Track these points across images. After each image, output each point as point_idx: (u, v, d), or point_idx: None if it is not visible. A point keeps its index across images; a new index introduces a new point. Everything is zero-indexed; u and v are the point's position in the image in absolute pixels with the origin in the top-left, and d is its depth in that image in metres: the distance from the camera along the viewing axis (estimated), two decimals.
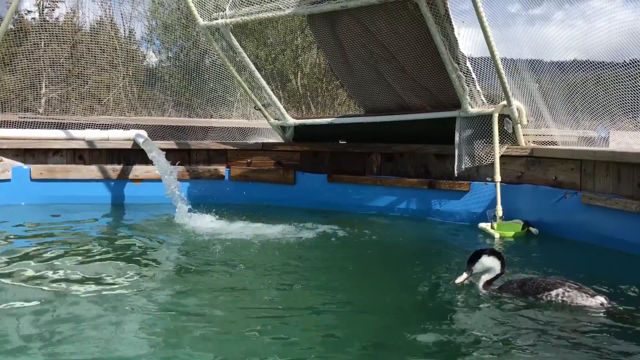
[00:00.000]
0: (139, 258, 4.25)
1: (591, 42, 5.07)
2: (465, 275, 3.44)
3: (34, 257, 4.15)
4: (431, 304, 3.34)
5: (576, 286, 3.19)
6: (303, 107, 11.75)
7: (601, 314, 3.03)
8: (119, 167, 6.67)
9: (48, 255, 4.20)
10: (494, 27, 5.09)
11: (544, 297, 3.17)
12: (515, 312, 3.10)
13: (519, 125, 5.57)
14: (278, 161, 6.95)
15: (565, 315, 3.02)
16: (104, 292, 3.35)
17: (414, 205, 6.11)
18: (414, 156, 6.25)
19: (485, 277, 3.43)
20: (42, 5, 10.35)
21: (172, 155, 6.42)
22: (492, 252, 3.49)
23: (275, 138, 7.42)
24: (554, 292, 3.16)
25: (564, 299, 3.12)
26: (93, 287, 3.44)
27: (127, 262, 4.06)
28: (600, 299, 3.11)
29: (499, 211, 5.33)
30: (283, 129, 7.09)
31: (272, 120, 7.09)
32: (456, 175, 5.77)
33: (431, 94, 6.03)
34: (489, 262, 3.43)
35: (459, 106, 5.70)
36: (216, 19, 6.36)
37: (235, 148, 7.08)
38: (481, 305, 3.26)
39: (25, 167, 6.43)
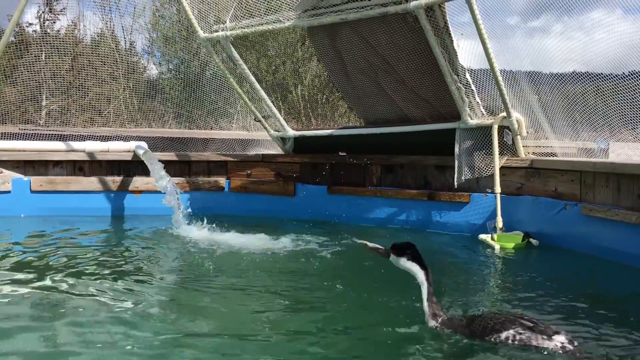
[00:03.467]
0: (137, 270, 4.24)
1: (590, 53, 5.09)
2: (372, 246, 3.13)
3: (32, 268, 4.14)
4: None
5: (530, 324, 2.72)
6: (303, 118, 11.77)
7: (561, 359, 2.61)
8: (119, 178, 6.67)
9: (47, 266, 4.19)
10: (493, 39, 5.11)
11: (492, 340, 2.71)
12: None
13: (518, 136, 5.57)
14: (278, 172, 6.96)
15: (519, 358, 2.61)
16: (101, 304, 3.34)
17: (414, 217, 6.10)
18: (414, 167, 6.25)
19: (424, 299, 2.95)
20: (43, 17, 10.40)
21: (172, 167, 6.43)
22: (414, 257, 3.03)
23: (275, 149, 7.42)
24: (503, 335, 2.69)
25: (516, 342, 2.66)
26: (91, 299, 3.43)
27: (125, 274, 4.05)
28: (560, 339, 2.65)
29: (499, 222, 5.32)
30: (283, 140, 7.09)
31: (272, 131, 7.09)
32: (456, 187, 5.76)
33: (431, 106, 6.04)
34: (402, 265, 3.04)
35: (459, 118, 5.71)
36: (217, 31, 6.38)
37: (235, 159, 7.08)
38: None
39: (26, 178, 6.43)
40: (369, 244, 3.17)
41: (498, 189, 5.45)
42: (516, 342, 2.66)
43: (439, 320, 2.90)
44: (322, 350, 2.77)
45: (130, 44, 10.16)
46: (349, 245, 5.18)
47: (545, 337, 2.64)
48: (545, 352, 2.60)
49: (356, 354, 2.77)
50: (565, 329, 3.04)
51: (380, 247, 3.14)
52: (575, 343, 2.66)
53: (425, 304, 2.94)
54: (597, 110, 5.22)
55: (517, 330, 2.68)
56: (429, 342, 2.83)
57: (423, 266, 3.01)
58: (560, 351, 2.61)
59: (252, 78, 6.70)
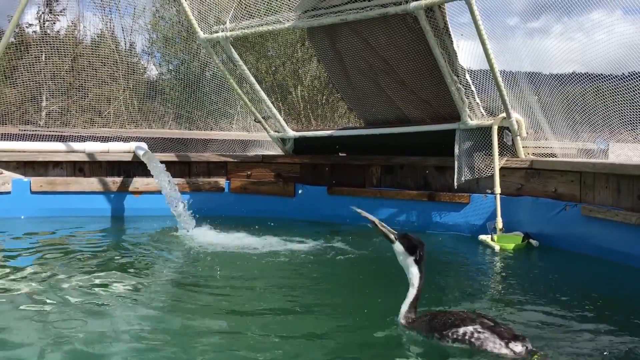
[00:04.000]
0: (137, 270, 4.24)
1: (590, 54, 5.09)
2: (382, 228, 3.01)
3: (32, 269, 4.14)
4: None
5: (491, 324, 2.65)
6: (303, 119, 11.77)
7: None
8: (119, 179, 6.67)
9: (46, 267, 4.19)
10: (493, 40, 5.11)
11: (449, 334, 2.64)
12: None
13: (518, 137, 5.57)
14: (278, 173, 6.96)
15: None
16: (100, 303, 3.34)
17: (413, 218, 6.10)
18: (413, 168, 6.25)
19: (407, 301, 2.92)
20: (43, 18, 10.40)
21: (172, 168, 6.42)
22: (418, 261, 2.94)
23: (275, 150, 7.43)
24: (461, 330, 2.62)
25: (472, 340, 2.58)
26: (90, 299, 3.43)
27: (125, 275, 4.05)
28: (518, 348, 2.53)
29: (499, 223, 5.32)
30: (283, 141, 7.09)
31: (272, 132, 7.10)
32: (456, 188, 5.77)
33: (431, 107, 6.05)
34: (403, 261, 2.96)
35: (459, 118, 5.71)
36: (217, 32, 6.38)
37: (235, 160, 7.09)
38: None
39: (26, 179, 6.43)
40: (378, 223, 3.04)
41: (498, 189, 5.45)
42: (473, 339, 2.59)
43: (409, 321, 2.89)
44: (321, 349, 2.77)
45: (130, 45, 10.16)
46: (349, 242, 5.18)
47: (502, 342, 2.55)
48: (501, 353, 2.53)
49: (358, 354, 2.77)
50: (565, 329, 3.04)
51: (392, 232, 3.01)
52: (529, 346, 2.56)
53: (407, 306, 2.91)
54: (597, 111, 5.23)
55: (476, 328, 2.61)
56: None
57: (421, 271, 2.96)
58: (516, 355, 2.53)
59: (252, 79, 6.70)
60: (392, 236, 3.00)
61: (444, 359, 2.68)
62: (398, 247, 2.98)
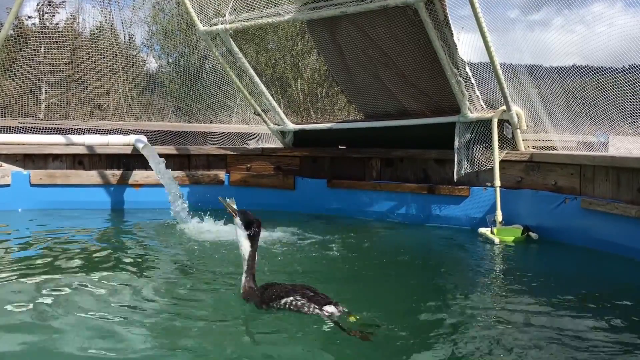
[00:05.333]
0: (137, 263, 4.25)
1: (591, 47, 5.08)
2: (230, 207, 3.27)
3: (30, 261, 4.15)
4: (427, 315, 3.32)
5: (311, 294, 3.00)
6: (303, 112, 11.75)
7: (328, 325, 2.85)
8: (118, 172, 6.67)
9: (45, 260, 4.20)
10: (493, 32, 5.10)
11: (274, 304, 3.01)
12: None
13: (518, 130, 5.57)
14: (278, 166, 6.95)
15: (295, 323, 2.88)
16: (98, 296, 3.35)
17: (413, 211, 6.11)
18: (413, 161, 6.25)
19: (243, 274, 3.21)
20: (43, 11, 10.37)
21: (171, 161, 6.42)
22: (251, 237, 3.22)
23: (275, 143, 7.42)
24: (283, 301, 2.99)
25: (292, 307, 2.96)
26: (89, 291, 3.44)
27: (124, 268, 4.06)
28: (330, 309, 2.92)
29: (499, 216, 5.33)
30: (283, 134, 7.09)
31: (271, 125, 7.09)
32: (456, 181, 5.77)
33: (431, 99, 6.04)
34: (239, 234, 3.22)
35: (459, 111, 5.70)
36: (216, 24, 6.37)
37: (235, 153, 7.08)
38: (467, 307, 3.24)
39: (25, 172, 6.43)
40: (225, 202, 3.32)
41: (498, 182, 5.45)
42: (292, 307, 2.96)
43: (245, 291, 3.19)
44: (318, 342, 2.77)
45: (130, 37, 10.12)
46: (348, 235, 5.19)
47: (316, 306, 2.94)
48: (315, 317, 2.90)
49: (359, 351, 2.78)
50: (564, 321, 3.05)
51: (235, 210, 3.28)
52: (341, 308, 2.94)
53: (244, 278, 3.21)
54: (597, 104, 5.22)
55: (295, 297, 2.98)
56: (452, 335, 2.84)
57: (253, 246, 3.23)
58: (327, 317, 2.89)
59: (252, 72, 6.69)
60: (234, 213, 3.27)
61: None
62: (237, 221, 3.24)
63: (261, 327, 2.94)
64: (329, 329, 2.84)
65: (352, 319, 2.92)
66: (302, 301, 2.96)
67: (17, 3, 6.09)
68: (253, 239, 3.24)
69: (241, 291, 3.22)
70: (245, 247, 3.22)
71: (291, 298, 2.98)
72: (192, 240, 5.07)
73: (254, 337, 2.86)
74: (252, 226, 3.23)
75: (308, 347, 2.71)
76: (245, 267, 3.22)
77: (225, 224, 5.50)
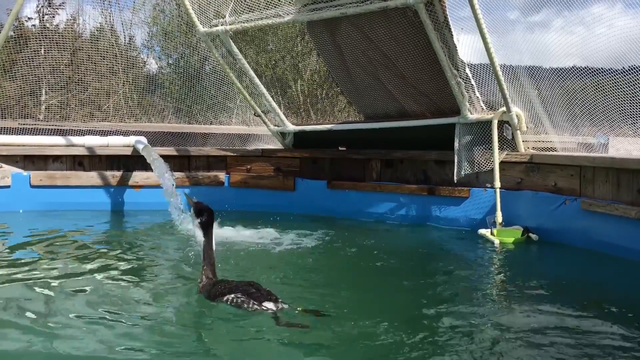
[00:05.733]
0: (135, 264, 4.25)
1: (590, 48, 5.08)
2: (191, 200, 3.50)
3: (30, 262, 4.14)
4: (426, 316, 3.32)
5: (252, 290, 3.12)
6: (303, 113, 11.75)
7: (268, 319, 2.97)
8: (118, 173, 6.67)
9: (45, 261, 4.19)
10: (493, 33, 5.10)
11: (217, 301, 3.15)
12: None
13: (518, 131, 5.57)
14: (278, 167, 6.95)
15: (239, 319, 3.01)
16: (98, 297, 3.35)
17: (413, 212, 6.11)
18: (413, 162, 6.25)
19: (202, 266, 3.35)
20: (43, 12, 10.38)
21: (171, 162, 6.41)
22: (202, 225, 3.37)
23: (275, 144, 7.42)
24: (225, 298, 3.12)
25: (234, 304, 3.09)
26: (88, 292, 3.44)
27: (125, 269, 4.06)
28: (268, 305, 3.05)
29: (499, 217, 5.33)
30: (283, 135, 7.09)
31: (271, 126, 7.09)
32: (456, 182, 5.77)
33: (431, 101, 6.04)
34: (194, 224, 3.38)
35: (459, 112, 5.71)
36: (216, 25, 6.37)
37: (235, 154, 7.08)
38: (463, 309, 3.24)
39: (25, 173, 6.43)
40: (189, 197, 3.59)
41: (498, 183, 5.45)
42: (234, 304, 3.08)
43: (199, 284, 3.32)
44: (316, 343, 2.77)
45: (130, 39, 10.12)
46: (348, 236, 5.19)
47: (256, 302, 3.05)
48: (256, 313, 3.03)
49: (362, 353, 2.78)
50: (564, 322, 3.05)
51: (194, 201, 3.48)
52: (282, 306, 3.06)
53: (202, 270, 3.34)
54: (597, 105, 5.22)
55: (236, 295, 3.10)
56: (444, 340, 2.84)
57: (206, 236, 3.35)
58: (269, 312, 3.01)
59: (252, 73, 6.69)
60: (192, 204, 3.46)
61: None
62: (192, 211, 3.42)
63: (263, 327, 2.94)
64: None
65: (299, 311, 3.08)
66: (243, 298, 3.08)
67: (18, 4, 6.09)
68: (205, 227, 3.36)
69: (198, 282, 3.35)
70: (199, 236, 3.36)
71: (232, 295, 3.10)
72: (191, 241, 5.06)
73: (254, 339, 2.85)
74: (203, 214, 3.36)
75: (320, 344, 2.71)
76: (202, 258, 3.35)
77: (225, 225, 5.51)
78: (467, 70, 5.47)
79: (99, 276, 3.82)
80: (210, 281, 3.31)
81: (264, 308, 3.03)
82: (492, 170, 5.54)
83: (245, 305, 3.06)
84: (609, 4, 5.01)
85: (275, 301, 3.08)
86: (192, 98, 8.46)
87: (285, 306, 3.07)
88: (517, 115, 5.50)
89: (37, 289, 3.50)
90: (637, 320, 3.11)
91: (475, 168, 5.69)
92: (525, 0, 5.53)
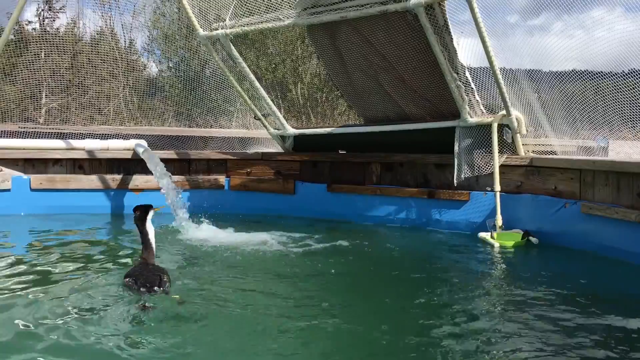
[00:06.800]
0: None
1: (590, 52, 5.08)
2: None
3: (30, 266, 4.14)
4: (426, 320, 3.32)
5: (140, 275, 3.41)
6: (303, 116, 11.77)
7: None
8: (118, 177, 6.67)
9: (44, 264, 4.19)
10: (493, 37, 5.11)
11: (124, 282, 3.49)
12: None
13: (518, 134, 5.57)
14: (278, 171, 6.96)
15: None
16: (98, 300, 3.34)
17: (413, 215, 6.10)
18: (413, 166, 6.25)
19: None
20: (43, 15, 10.40)
21: (172, 165, 6.42)
22: (138, 219, 3.82)
23: (275, 148, 7.43)
24: (123, 281, 3.48)
25: (126, 287, 3.42)
26: (86, 295, 3.43)
27: (123, 272, 4.05)
28: (143, 289, 3.31)
29: (499, 221, 5.33)
30: (283, 138, 7.09)
31: (271, 130, 7.09)
32: (456, 185, 5.77)
33: (430, 104, 6.04)
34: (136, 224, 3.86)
35: (458, 116, 5.71)
36: (216, 29, 6.38)
37: (235, 158, 7.09)
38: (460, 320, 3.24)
39: (25, 176, 6.43)
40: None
41: (498, 187, 5.45)
42: (126, 287, 3.41)
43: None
44: (316, 347, 2.77)
45: (130, 42, 10.14)
46: (348, 240, 5.19)
47: (140, 287, 3.33)
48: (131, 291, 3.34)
49: (358, 354, 2.78)
50: (564, 326, 3.05)
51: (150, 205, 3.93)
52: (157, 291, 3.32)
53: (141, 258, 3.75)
54: (597, 109, 5.22)
55: (129, 279, 3.42)
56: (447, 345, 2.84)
57: (140, 230, 3.79)
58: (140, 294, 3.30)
59: (252, 76, 6.70)
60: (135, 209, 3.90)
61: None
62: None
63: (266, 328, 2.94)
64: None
65: (175, 298, 3.33)
66: (131, 282, 3.40)
67: (18, 8, 6.10)
68: (139, 220, 3.82)
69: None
70: (137, 231, 3.85)
71: (127, 279, 3.45)
72: (191, 244, 5.06)
73: (254, 340, 2.85)
74: (136, 209, 3.87)
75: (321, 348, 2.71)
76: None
77: (225, 228, 5.52)
78: (467, 74, 5.47)
79: (99, 279, 3.82)
80: (136, 262, 3.74)
81: (141, 290, 3.32)
82: (492, 173, 5.54)
83: (131, 290, 3.37)
84: (608, 7, 5.02)
85: (150, 287, 3.33)
86: (193, 101, 8.47)
87: (165, 291, 3.35)
88: (517, 119, 5.51)
89: (37, 292, 3.50)
90: (638, 324, 3.11)
91: (475, 171, 5.69)
92: (525, 3, 5.55)
